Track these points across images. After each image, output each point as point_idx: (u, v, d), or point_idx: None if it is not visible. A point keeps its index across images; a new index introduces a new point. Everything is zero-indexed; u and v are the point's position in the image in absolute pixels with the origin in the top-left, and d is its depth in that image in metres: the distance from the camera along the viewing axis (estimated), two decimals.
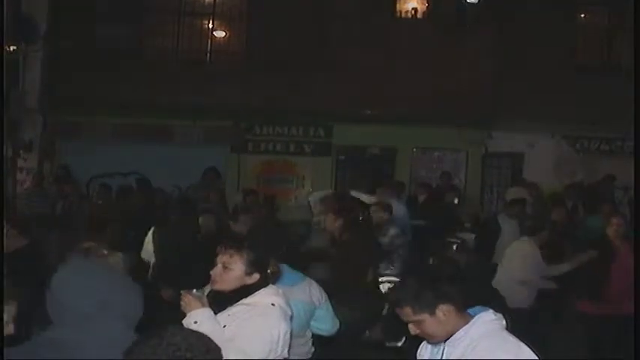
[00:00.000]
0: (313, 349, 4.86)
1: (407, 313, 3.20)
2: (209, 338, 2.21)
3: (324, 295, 4.91)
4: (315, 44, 13.40)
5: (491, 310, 3.26)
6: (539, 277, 7.57)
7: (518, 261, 7.59)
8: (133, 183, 12.88)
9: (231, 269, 3.76)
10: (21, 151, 13.41)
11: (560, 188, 13.35)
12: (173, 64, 13.95)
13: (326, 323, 4.95)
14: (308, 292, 4.72)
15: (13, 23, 12.28)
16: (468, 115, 13.61)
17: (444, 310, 3.16)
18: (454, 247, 8.06)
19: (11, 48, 12.59)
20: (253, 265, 3.76)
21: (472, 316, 3.22)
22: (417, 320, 3.19)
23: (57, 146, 14.45)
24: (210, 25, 14.59)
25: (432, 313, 3.16)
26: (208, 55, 14.51)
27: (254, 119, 14.67)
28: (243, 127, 14.74)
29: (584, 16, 15.02)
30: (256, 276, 3.75)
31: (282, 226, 7.22)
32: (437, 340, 3.26)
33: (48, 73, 13.63)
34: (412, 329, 3.24)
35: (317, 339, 4.96)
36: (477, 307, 3.27)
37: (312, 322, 4.81)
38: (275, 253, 4.14)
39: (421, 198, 12.72)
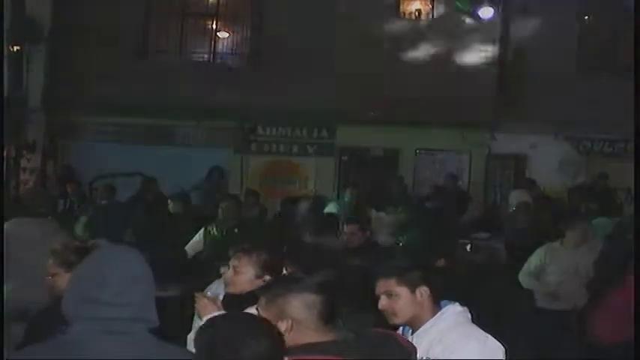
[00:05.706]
0: None
1: (390, 283, 3.44)
2: None
3: None
4: (318, 45, 13.40)
5: (457, 303, 3.51)
6: None
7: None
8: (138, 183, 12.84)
9: (241, 272, 3.82)
10: (24, 152, 13.41)
11: (563, 190, 13.31)
12: (176, 64, 13.94)
13: None
14: None
15: (17, 23, 12.30)
16: (471, 116, 13.58)
17: (422, 292, 3.42)
18: (467, 247, 7.98)
19: (14, 48, 12.61)
20: (264, 268, 3.80)
21: (440, 309, 3.45)
22: (396, 293, 3.42)
23: (60, 146, 14.44)
24: (214, 26, 14.60)
25: (413, 290, 3.42)
26: (212, 55, 14.52)
27: (257, 120, 14.66)
28: (246, 127, 14.71)
29: (588, 17, 14.98)
30: (267, 279, 3.75)
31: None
32: (399, 321, 3.44)
33: (51, 73, 13.63)
34: (382, 303, 3.44)
35: None
36: (445, 301, 3.50)
37: None
38: (281, 254, 4.13)
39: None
